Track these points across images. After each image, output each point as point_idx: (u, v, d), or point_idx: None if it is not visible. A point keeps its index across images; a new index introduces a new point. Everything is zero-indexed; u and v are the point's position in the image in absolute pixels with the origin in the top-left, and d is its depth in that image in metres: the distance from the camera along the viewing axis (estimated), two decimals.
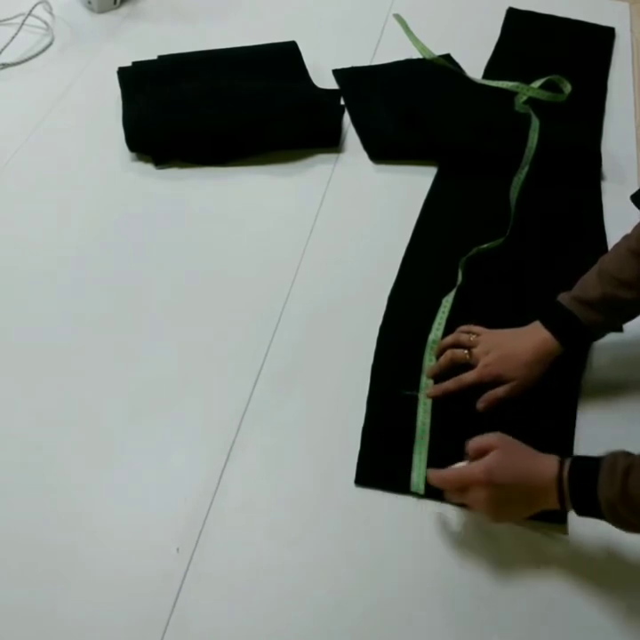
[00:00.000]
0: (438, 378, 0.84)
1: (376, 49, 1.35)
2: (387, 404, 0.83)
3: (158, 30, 1.35)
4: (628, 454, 0.64)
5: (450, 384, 0.82)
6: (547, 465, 0.67)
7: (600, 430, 0.82)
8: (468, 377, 0.81)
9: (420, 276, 0.97)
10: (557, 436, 0.82)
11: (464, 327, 0.86)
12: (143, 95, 1.16)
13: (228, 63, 1.24)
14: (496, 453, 0.68)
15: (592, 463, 0.65)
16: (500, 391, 0.79)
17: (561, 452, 0.69)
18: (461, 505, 0.74)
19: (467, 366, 0.82)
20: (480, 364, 0.81)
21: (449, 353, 0.84)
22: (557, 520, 0.74)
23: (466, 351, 0.83)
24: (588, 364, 0.89)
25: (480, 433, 0.72)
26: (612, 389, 0.86)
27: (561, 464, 0.66)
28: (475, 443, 0.70)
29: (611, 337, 0.86)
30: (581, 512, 0.65)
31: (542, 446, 0.70)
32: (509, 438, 0.70)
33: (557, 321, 0.81)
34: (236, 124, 1.10)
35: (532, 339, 0.81)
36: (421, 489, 0.76)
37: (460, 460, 0.75)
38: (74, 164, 1.10)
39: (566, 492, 0.65)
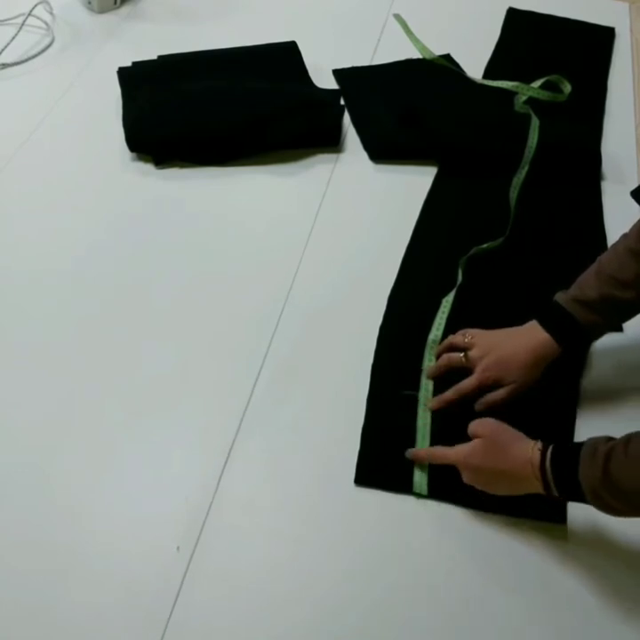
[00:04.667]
0: (438, 378, 0.84)
1: (376, 49, 1.35)
2: (387, 404, 0.83)
3: (158, 30, 1.35)
4: (609, 439, 0.65)
5: (450, 394, 0.81)
6: (527, 456, 0.69)
7: (599, 431, 0.81)
8: (468, 384, 0.80)
9: (420, 276, 0.97)
10: (557, 438, 0.81)
11: (459, 332, 0.85)
12: (143, 95, 1.16)
13: (227, 63, 1.24)
14: (478, 442, 0.72)
15: (573, 449, 0.66)
16: (499, 394, 0.79)
17: None
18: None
19: (464, 368, 0.82)
20: (478, 369, 0.80)
21: (445, 357, 0.84)
22: (557, 520, 0.74)
23: (462, 354, 0.82)
24: (587, 364, 0.88)
25: None
26: (612, 390, 0.86)
27: (542, 454, 0.68)
28: (470, 427, 0.75)
29: (610, 337, 0.86)
30: (566, 497, 0.67)
31: None
32: (498, 426, 0.73)
33: (556, 322, 0.80)
34: (236, 124, 1.10)
35: (529, 340, 0.80)
36: (424, 490, 0.76)
37: None
38: (74, 164, 1.10)
39: (550, 480, 0.67)
